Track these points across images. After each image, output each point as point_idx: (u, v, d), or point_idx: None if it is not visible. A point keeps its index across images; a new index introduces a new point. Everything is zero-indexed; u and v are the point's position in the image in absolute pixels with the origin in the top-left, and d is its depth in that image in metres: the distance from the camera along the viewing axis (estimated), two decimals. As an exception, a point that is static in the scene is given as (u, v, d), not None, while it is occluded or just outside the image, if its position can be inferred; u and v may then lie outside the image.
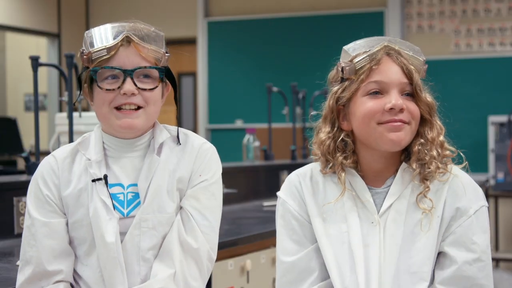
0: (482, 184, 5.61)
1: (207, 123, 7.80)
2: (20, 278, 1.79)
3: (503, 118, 6.33)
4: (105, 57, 1.74)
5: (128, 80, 1.74)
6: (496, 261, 6.35)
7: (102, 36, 1.76)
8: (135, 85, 1.74)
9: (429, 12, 7.06)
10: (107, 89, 1.74)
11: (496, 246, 6.54)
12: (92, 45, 1.75)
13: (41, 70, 3.19)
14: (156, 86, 1.78)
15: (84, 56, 1.76)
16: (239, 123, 7.59)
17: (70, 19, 8.29)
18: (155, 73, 1.78)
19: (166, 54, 1.80)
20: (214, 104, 7.80)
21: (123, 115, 1.75)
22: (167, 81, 1.85)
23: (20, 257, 1.81)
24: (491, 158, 6.35)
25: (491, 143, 6.36)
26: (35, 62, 3.07)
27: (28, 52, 3.57)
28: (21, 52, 8.50)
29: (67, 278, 1.79)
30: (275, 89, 5.13)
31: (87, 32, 1.78)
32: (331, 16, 7.38)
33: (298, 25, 7.50)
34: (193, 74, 8.50)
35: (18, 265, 2.16)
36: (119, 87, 1.74)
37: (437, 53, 6.81)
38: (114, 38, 1.74)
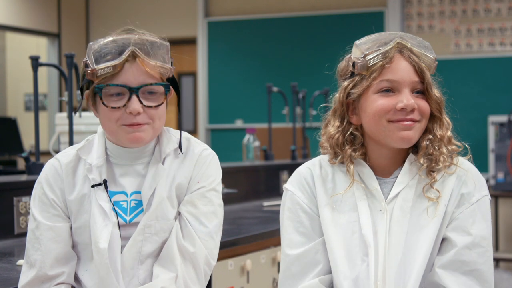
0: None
1: (207, 123, 7.80)
2: (23, 280, 1.79)
3: (503, 118, 6.32)
4: (110, 74, 1.72)
5: (134, 98, 1.72)
6: (496, 261, 6.35)
7: (107, 51, 1.72)
8: (141, 102, 1.73)
9: (429, 12, 7.06)
10: (112, 107, 1.73)
11: (496, 246, 6.54)
12: (97, 61, 1.72)
13: (41, 70, 3.19)
14: (162, 103, 1.77)
15: (89, 71, 1.73)
16: (239, 123, 7.59)
17: (70, 19, 8.29)
18: (161, 89, 1.77)
19: (172, 68, 1.79)
20: (214, 104, 7.80)
21: (132, 129, 1.74)
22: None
23: (24, 259, 1.82)
24: (491, 158, 6.35)
25: (491, 143, 6.36)
26: (35, 62, 3.07)
27: (28, 52, 3.57)
28: (21, 52, 8.50)
29: (68, 280, 1.80)
30: (275, 89, 5.13)
31: (91, 43, 1.75)
32: (331, 16, 7.38)
33: (298, 25, 7.50)
34: (193, 74, 8.50)
35: (18, 265, 2.16)
36: (124, 105, 1.73)
37: (437, 53, 6.74)
38: (120, 53, 1.71)
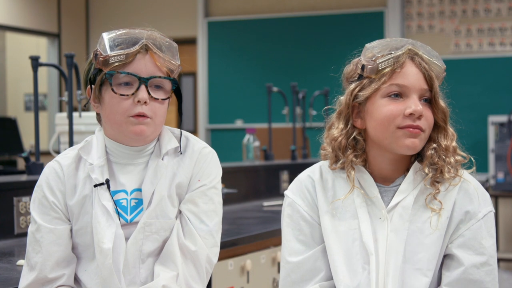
0: (482, 184, 5.60)
1: (207, 123, 7.80)
2: (23, 282, 1.80)
3: (503, 118, 6.32)
4: (122, 63, 1.74)
5: (143, 87, 1.74)
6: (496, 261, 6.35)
7: (121, 40, 1.75)
8: (149, 93, 1.75)
9: (429, 12, 7.06)
10: (121, 94, 1.74)
11: (496, 246, 6.54)
12: (111, 49, 1.75)
13: (41, 70, 3.19)
14: (168, 97, 1.79)
15: (100, 58, 1.75)
16: (239, 123, 7.59)
17: (70, 19, 8.29)
18: (168, 84, 1.79)
19: (180, 67, 1.81)
20: (214, 104, 7.80)
21: (138, 121, 1.75)
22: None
23: (25, 261, 1.82)
24: (491, 158, 6.35)
25: (491, 143, 6.36)
26: (35, 62, 3.07)
27: (28, 52, 3.57)
28: (21, 52, 8.51)
29: (68, 282, 1.80)
30: (275, 89, 5.13)
31: (104, 34, 1.78)
32: (331, 16, 7.38)
33: (298, 25, 7.50)
34: (193, 74, 8.50)
35: (18, 265, 2.16)
36: (133, 94, 1.74)
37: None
38: (133, 44, 1.75)
